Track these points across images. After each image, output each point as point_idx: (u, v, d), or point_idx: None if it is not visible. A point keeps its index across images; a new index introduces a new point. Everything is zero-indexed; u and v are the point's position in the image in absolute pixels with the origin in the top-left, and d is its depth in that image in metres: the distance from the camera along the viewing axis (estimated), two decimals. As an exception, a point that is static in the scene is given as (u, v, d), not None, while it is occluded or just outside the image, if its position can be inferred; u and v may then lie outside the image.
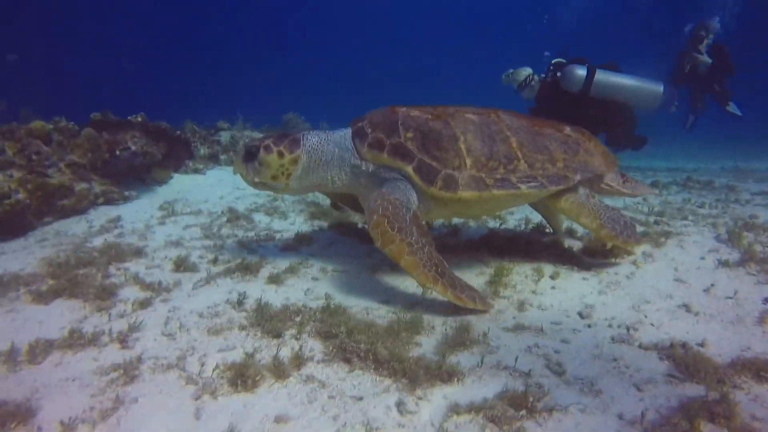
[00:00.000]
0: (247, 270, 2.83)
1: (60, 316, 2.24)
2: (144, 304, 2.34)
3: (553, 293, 2.56)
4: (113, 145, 5.11)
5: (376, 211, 2.42)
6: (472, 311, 2.25)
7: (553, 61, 6.96)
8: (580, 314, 2.27)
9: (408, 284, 2.65)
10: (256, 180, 2.78)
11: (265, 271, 2.87)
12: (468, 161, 2.66)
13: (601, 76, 6.38)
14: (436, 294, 2.27)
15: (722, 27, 10.32)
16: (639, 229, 3.70)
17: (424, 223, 2.54)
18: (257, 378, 1.61)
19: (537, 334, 2.06)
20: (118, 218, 4.16)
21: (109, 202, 4.71)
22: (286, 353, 1.81)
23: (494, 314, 2.28)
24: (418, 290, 2.52)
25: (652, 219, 4.14)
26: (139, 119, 6.42)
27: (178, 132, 6.72)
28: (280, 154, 2.70)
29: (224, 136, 8.02)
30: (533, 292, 2.57)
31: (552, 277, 2.76)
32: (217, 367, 1.72)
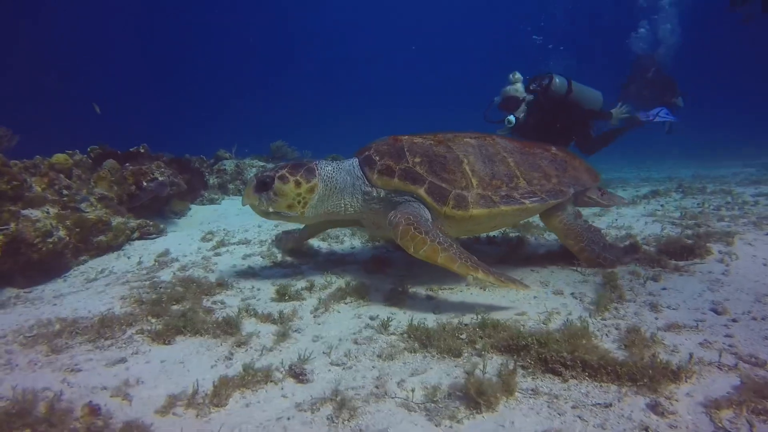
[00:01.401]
0: (357, 294, 2.72)
1: (198, 354, 2.04)
2: (283, 335, 2.18)
3: (669, 293, 2.64)
4: (139, 176, 4.83)
5: (400, 222, 2.54)
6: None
7: (529, 78, 7.69)
8: (714, 311, 2.35)
9: (523, 294, 2.65)
10: (270, 210, 2.79)
11: (375, 295, 2.76)
12: (474, 181, 2.83)
13: (574, 82, 7.24)
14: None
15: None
16: (688, 231, 3.94)
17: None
18: (498, 395, 1.54)
19: (695, 331, 2.11)
20: (167, 252, 3.89)
21: (144, 236, 4.41)
22: (490, 370, 1.75)
23: (636, 316, 2.32)
24: (541, 299, 2.53)
25: (691, 222, 4.39)
26: (142, 150, 6.15)
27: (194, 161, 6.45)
28: (297, 184, 2.75)
29: (228, 165, 7.78)
30: (651, 294, 2.64)
31: (654, 279, 2.85)
32: (434, 390, 1.63)
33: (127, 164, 4.91)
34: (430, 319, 2.34)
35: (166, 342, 2.17)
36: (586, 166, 3.54)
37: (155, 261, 3.68)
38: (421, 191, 2.72)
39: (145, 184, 4.82)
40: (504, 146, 3.16)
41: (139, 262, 3.73)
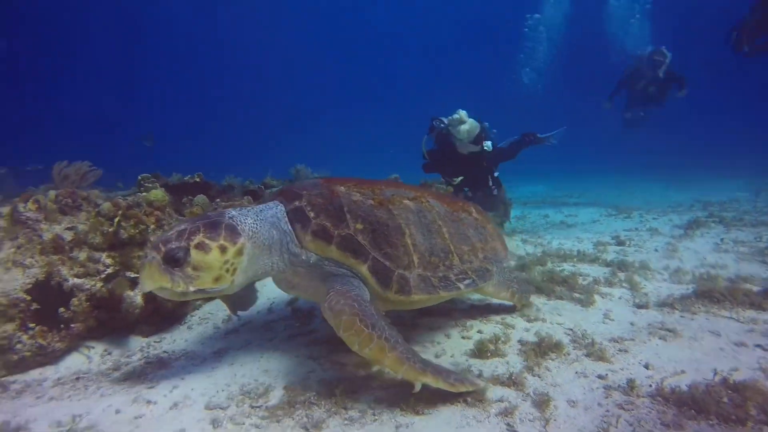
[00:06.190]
0: (557, 349, 2.68)
1: (470, 427, 1.95)
2: (544, 402, 2.10)
3: None
4: (231, 212, 4.63)
5: (344, 311, 2.13)
6: None
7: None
8: None
9: (708, 348, 2.69)
10: (191, 290, 2.13)
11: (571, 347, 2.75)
12: (415, 258, 2.54)
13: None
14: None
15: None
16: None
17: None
18: None
19: None
20: (296, 299, 3.73)
21: (248, 277, 4.23)
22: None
23: None
24: (728, 352, 2.59)
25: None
26: (197, 179, 5.97)
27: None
28: (222, 249, 2.16)
29: (274, 193, 7.59)
30: None
31: None
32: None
33: (218, 200, 4.71)
34: (654, 377, 2.34)
35: (419, 412, 2.08)
36: (498, 232, 3.49)
37: (290, 308, 3.53)
38: (364, 269, 2.35)
39: (236, 220, 4.63)
40: (438, 211, 2.90)
41: (270, 309, 3.57)
